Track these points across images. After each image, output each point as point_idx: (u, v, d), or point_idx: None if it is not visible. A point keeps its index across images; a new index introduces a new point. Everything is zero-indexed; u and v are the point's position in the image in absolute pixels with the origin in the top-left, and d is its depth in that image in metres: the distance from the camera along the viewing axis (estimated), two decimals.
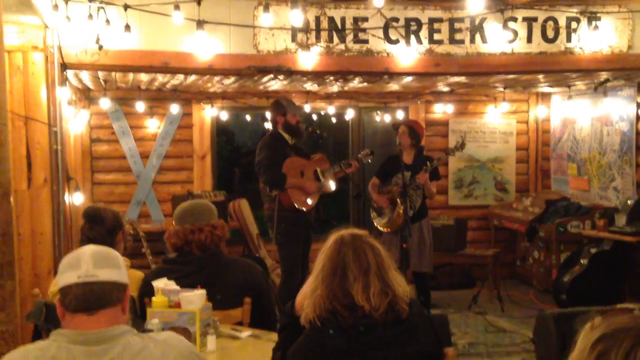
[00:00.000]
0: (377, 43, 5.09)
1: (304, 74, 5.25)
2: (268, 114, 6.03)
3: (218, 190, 7.05)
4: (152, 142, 7.31)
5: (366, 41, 5.08)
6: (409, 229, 5.20)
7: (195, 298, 2.75)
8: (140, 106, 6.92)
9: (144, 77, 5.90)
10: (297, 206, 5.34)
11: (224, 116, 7.32)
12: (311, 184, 5.45)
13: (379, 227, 5.80)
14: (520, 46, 5.29)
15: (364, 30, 5.05)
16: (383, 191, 5.87)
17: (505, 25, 4.99)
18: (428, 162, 5.69)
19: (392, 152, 5.92)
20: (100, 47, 4.42)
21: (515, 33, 5.28)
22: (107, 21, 4.30)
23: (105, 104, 6.67)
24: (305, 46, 4.98)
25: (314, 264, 2.22)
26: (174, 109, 7.03)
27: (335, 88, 6.90)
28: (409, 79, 5.91)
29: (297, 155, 5.54)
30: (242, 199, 7.17)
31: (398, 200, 5.62)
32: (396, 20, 5.10)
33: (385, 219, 5.74)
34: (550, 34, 5.31)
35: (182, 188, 7.31)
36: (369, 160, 5.86)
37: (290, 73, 5.09)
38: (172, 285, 2.86)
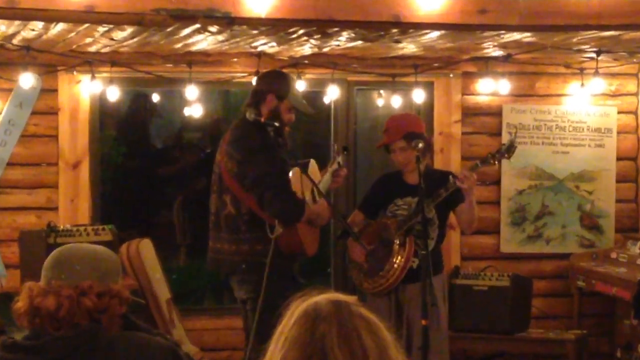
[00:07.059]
0: None
1: (254, 22, 5.42)
2: (254, 82, 6.24)
3: (102, 225, 7.11)
4: None
5: None
6: (432, 291, 5.38)
7: None
8: None
9: None
10: (306, 250, 5.72)
11: (114, 95, 7.43)
12: (325, 211, 5.82)
13: (364, 288, 6.17)
14: None
15: None
16: (361, 231, 6.18)
17: None
18: (451, 177, 5.90)
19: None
20: None
21: None
22: None
23: None
24: None
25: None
26: (26, 81, 7.07)
27: (307, 49, 7.02)
28: (434, 34, 6.07)
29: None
30: (142, 238, 7.27)
31: (395, 239, 5.91)
32: None
33: (369, 274, 6.12)
34: None
35: (39, 219, 7.39)
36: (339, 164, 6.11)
37: (231, 21, 5.23)
38: None
